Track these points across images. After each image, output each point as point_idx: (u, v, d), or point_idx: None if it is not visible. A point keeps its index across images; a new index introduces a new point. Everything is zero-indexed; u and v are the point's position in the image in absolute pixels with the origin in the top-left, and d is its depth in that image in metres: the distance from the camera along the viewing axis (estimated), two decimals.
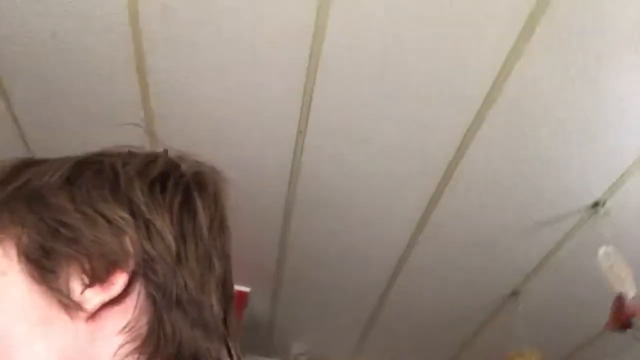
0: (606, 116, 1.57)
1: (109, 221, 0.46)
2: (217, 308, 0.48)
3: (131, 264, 0.46)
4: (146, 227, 0.47)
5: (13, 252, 0.46)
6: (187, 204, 0.50)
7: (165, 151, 0.54)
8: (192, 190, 0.50)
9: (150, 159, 0.52)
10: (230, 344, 0.49)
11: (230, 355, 0.49)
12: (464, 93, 1.55)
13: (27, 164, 0.50)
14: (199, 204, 0.50)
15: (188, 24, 1.44)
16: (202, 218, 0.49)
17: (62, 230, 0.45)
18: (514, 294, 2.27)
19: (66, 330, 0.43)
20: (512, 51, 1.42)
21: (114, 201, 0.47)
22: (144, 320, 0.45)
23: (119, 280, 0.45)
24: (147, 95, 1.65)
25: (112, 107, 1.70)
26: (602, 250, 1.69)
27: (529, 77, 1.48)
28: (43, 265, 0.45)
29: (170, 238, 0.47)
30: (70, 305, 0.44)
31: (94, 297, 0.45)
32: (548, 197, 1.84)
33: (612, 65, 1.43)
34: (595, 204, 1.80)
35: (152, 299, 0.46)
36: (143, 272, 0.46)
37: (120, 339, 0.44)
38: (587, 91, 1.50)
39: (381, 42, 1.42)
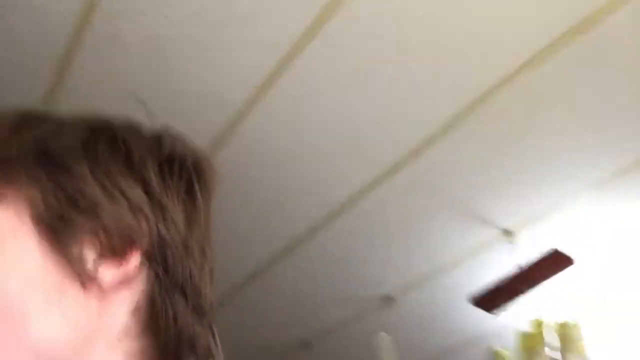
0: None
1: (127, 198, 0.45)
2: (209, 295, 0.50)
3: (145, 245, 0.45)
4: (160, 210, 0.47)
5: (25, 214, 0.44)
6: (190, 191, 0.50)
7: (167, 130, 0.52)
8: (194, 178, 0.50)
9: (157, 137, 0.51)
10: (215, 330, 0.51)
11: (215, 341, 0.51)
12: None
13: (36, 118, 0.49)
14: (198, 192, 0.50)
15: None
16: (201, 207, 0.51)
17: (82, 200, 0.44)
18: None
19: (78, 302, 0.43)
20: None
21: (130, 178, 0.46)
22: (149, 303, 0.45)
23: (133, 260, 0.44)
24: None
25: None
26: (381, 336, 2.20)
27: None
28: (59, 234, 0.43)
29: (181, 224, 0.48)
30: (84, 278, 0.43)
31: (108, 274, 0.44)
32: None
33: None
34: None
35: (158, 283, 0.46)
36: (155, 255, 0.46)
37: (126, 318, 0.44)
38: None
39: None
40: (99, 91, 1.86)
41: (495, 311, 2.29)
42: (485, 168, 2.02)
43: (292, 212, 2.28)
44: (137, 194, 0.46)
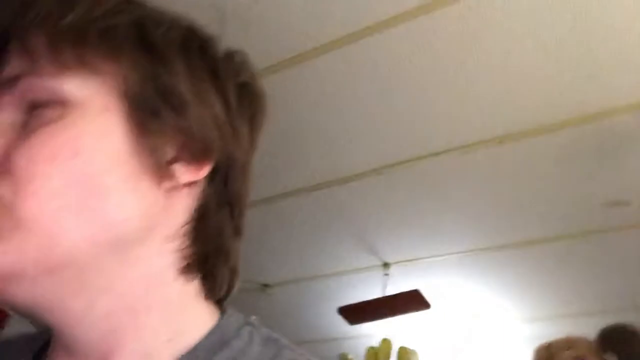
0: None
1: (212, 108, 0.44)
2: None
3: (216, 158, 0.45)
4: (233, 130, 0.46)
5: (119, 93, 0.42)
6: (254, 119, 0.50)
7: (240, 53, 0.50)
8: (258, 107, 0.51)
9: (234, 59, 0.49)
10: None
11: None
12: None
13: (135, 2, 0.45)
14: (259, 121, 0.51)
15: None
16: (258, 135, 0.51)
17: (174, 97, 0.43)
18: None
19: (151, 192, 0.42)
20: None
21: (215, 90, 0.45)
22: (202, 213, 0.46)
23: (205, 169, 0.44)
24: None
25: None
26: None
27: None
28: (146, 122, 0.42)
29: (247, 150, 0.49)
30: (161, 172, 0.42)
31: (182, 174, 0.43)
32: None
33: None
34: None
35: (216, 197, 0.47)
36: (220, 170, 0.46)
37: (182, 220, 0.44)
38: None
39: None
40: None
41: (355, 324, 2.52)
42: (386, 213, 2.30)
43: None
44: (219, 107, 0.46)
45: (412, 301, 2.31)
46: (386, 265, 2.51)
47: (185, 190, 0.44)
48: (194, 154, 0.43)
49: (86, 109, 0.41)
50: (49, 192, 0.39)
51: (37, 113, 0.40)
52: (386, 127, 1.94)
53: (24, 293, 0.39)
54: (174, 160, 0.43)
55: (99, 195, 0.40)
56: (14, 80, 0.41)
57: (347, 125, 1.92)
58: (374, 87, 1.69)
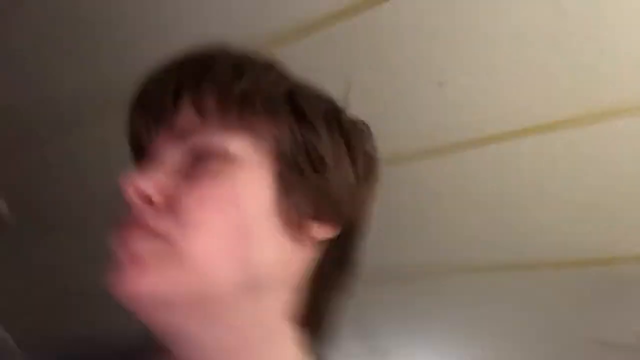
0: None
1: (347, 173, 0.49)
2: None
3: (343, 222, 0.49)
4: (361, 198, 0.51)
5: (269, 152, 0.46)
6: (374, 190, 0.54)
7: (364, 123, 0.54)
8: (377, 179, 0.54)
9: (361, 128, 0.53)
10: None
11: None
12: None
13: (278, 68, 0.51)
14: (376, 195, 0.54)
15: None
16: (372, 209, 0.54)
17: (318, 159, 0.47)
18: None
19: (289, 243, 0.47)
20: None
21: (349, 158, 0.50)
22: (320, 269, 0.50)
23: (336, 228, 0.49)
24: None
25: None
26: None
27: None
28: (293, 178, 0.46)
29: (367, 218, 0.53)
30: (301, 225, 0.47)
31: (317, 231, 0.48)
32: None
33: None
34: None
35: (335, 258, 0.51)
36: (344, 234, 0.50)
37: (305, 272, 0.49)
38: None
39: None
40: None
41: None
42: None
43: None
44: (351, 174, 0.49)
45: None
46: None
47: (313, 247, 0.49)
48: (328, 214, 0.48)
49: (245, 164, 0.45)
50: (213, 235, 0.43)
51: (202, 163, 0.45)
52: None
53: (166, 318, 0.44)
54: (312, 217, 0.47)
55: (249, 242, 0.45)
56: (185, 132, 0.46)
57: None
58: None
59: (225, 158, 0.45)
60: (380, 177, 0.54)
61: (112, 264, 0.43)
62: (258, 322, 0.47)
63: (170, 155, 0.46)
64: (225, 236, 0.44)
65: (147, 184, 0.44)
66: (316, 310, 0.51)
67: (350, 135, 0.50)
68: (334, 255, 0.51)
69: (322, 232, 0.48)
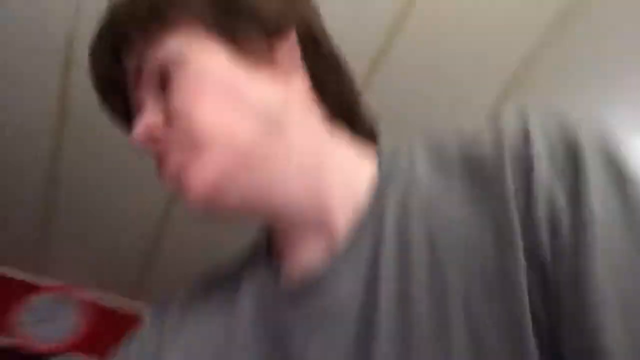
0: None
1: None
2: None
3: (296, 28, 0.54)
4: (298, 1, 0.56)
5: (201, 34, 0.51)
6: None
7: None
8: None
9: None
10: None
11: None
12: None
13: None
14: None
15: None
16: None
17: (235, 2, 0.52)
18: None
19: (270, 76, 0.51)
20: None
21: None
22: (313, 75, 0.54)
23: (292, 36, 0.53)
24: None
25: None
26: None
27: None
28: (227, 26, 0.51)
29: (315, 16, 0.56)
30: (264, 57, 0.52)
31: (282, 52, 0.53)
32: None
33: None
34: None
35: (318, 61, 0.55)
36: (308, 39, 0.54)
37: (305, 87, 0.53)
38: None
39: None
40: None
41: None
42: None
43: None
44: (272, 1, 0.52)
45: None
46: None
47: (295, 63, 0.52)
48: (274, 28, 0.51)
49: (191, 55, 0.50)
50: (213, 116, 0.48)
51: (167, 79, 0.50)
52: None
53: (234, 193, 0.48)
54: (266, 41, 0.51)
55: (240, 97, 0.49)
56: (138, 75, 0.53)
57: None
58: None
59: (175, 60, 0.50)
60: None
61: (176, 193, 0.50)
62: (305, 146, 0.51)
63: (145, 93, 0.52)
64: (221, 108, 0.49)
65: (142, 131, 0.50)
66: (342, 104, 0.55)
67: None
68: (316, 58, 0.54)
69: (286, 47, 0.52)
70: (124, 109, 0.57)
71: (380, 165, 0.51)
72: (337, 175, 0.51)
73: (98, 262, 2.61)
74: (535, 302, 0.36)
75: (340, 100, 0.55)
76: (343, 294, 0.44)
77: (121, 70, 0.54)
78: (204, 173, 0.47)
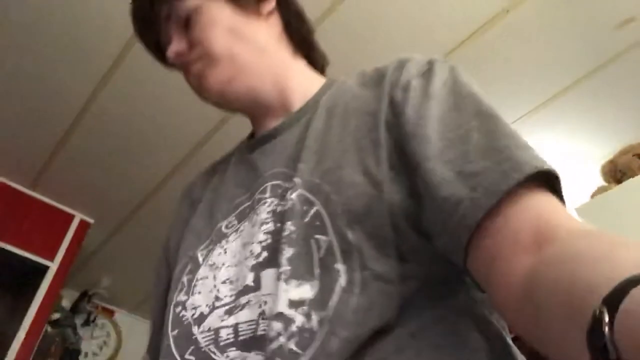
0: None
1: None
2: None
3: None
4: None
5: None
6: None
7: None
8: None
9: None
10: None
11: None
12: None
13: None
14: None
15: None
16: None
17: None
18: None
19: (257, 20, 0.80)
20: None
21: None
22: (286, 22, 0.83)
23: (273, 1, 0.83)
24: None
25: None
26: None
27: None
28: None
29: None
30: (255, 9, 0.80)
31: (264, 7, 0.81)
32: None
33: None
34: None
35: (289, 13, 0.84)
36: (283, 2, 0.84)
37: (280, 28, 0.83)
38: None
39: None
40: None
41: None
42: None
43: None
44: None
45: None
46: None
47: (271, 16, 0.81)
48: None
49: (204, 6, 0.77)
50: (220, 40, 0.76)
51: (189, 22, 0.77)
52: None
53: (234, 88, 0.76)
54: (254, 2, 0.79)
55: (239, 34, 0.77)
56: (170, 16, 0.79)
57: None
58: None
59: (195, 9, 0.77)
60: None
61: (195, 92, 0.79)
62: (278, 65, 0.79)
63: (173, 30, 0.79)
64: (230, 39, 0.76)
65: (174, 50, 0.77)
66: (304, 43, 0.84)
67: None
68: (288, 12, 0.84)
69: (267, 4, 0.81)
70: (154, 41, 0.84)
71: (325, 81, 0.81)
72: (296, 80, 0.79)
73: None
74: (391, 129, 0.60)
75: (302, 38, 0.84)
76: (286, 137, 0.73)
77: (154, 15, 0.80)
78: (216, 78, 0.75)
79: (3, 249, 2.71)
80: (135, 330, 3.78)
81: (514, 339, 0.55)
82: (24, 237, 2.80)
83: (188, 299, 0.62)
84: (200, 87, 0.77)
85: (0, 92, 2.48)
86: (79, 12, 2.16)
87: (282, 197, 0.62)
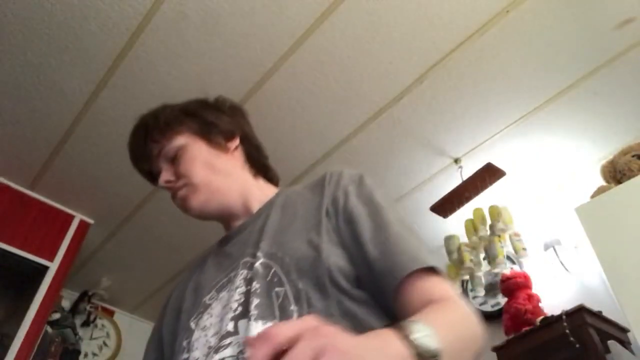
0: None
1: (225, 121, 1.07)
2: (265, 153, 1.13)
3: (240, 134, 1.09)
4: (239, 123, 1.10)
5: (195, 136, 1.04)
6: (242, 116, 1.13)
7: (223, 98, 1.13)
8: (240, 112, 1.14)
9: (220, 100, 1.13)
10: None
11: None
12: None
13: (170, 105, 1.08)
14: (245, 117, 1.14)
15: None
16: (247, 124, 1.13)
17: (211, 123, 1.06)
18: None
19: (228, 158, 1.04)
20: None
21: (224, 115, 1.09)
22: (248, 156, 1.09)
23: (236, 139, 1.09)
24: None
25: None
26: None
27: None
28: (210, 137, 1.04)
29: (247, 127, 1.12)
30: (225, 147, 1.05)
31: (230, 145, 1.06)
32: None
33: None
34: None
35: (249, 148, 1.09)
36: (244, 138, 1.09)
37: (243, 161, 1.07)
38: None
39: None
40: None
41: (448, 216, 2.85)
42: (440, 115, 2.59)
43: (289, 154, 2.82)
44: (228, 120, 1.08)
45: (488, 174, 2.62)
46: (457, 160, 2.81)
47: (236, 151, 1.06)
48: (229, 136, 1.06)
49: (188, 145, 1.02)
50: (200, 175, 1.00)
51: (175, 157, 1.02)
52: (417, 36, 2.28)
53: (210, 208, 1.00)
54: (225, 140, 1.05)
55: (213, 167, 1.01)
56: (160, 153, 1.03)
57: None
58: None
59: (180, 149, 1.02)
60: (242, 111, 1.14)
61: (181, 209, 1.02)
62: (243, 184, 1.04)
63: (163, 163, 1.03)
64: (206, 172, 1.00)
65: (164, 179, 1.01)
66: (261, 167, 1.10)
67: (217, 103, 1.11)
68: (249, 146, 1.10)
69: (233, 142, 1.07)
70: (147, 169, 1.07)
71: (278, 190, 1.08)
72: (256, 192, 1.05)
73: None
74: (330, 217, 0.87)
75: (260, 164, 1.11)
76: (251, 229, 0.95)
77: (147, 152, 1.05)
78: (197, 200, 0.99)
79: (3, 249, 2.70)
80: (135, 330, 3.78)
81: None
82: (24, 237, 2.79)
83: (189, 356, 0.81)
84: (184, 207, 1.01)
85: (1, 92, 2.48)
86: (79, 12, 2.16)
87: (250, 267, 0.84)
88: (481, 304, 3.10)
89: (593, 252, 2.09)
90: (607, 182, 2.31)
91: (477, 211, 2.61)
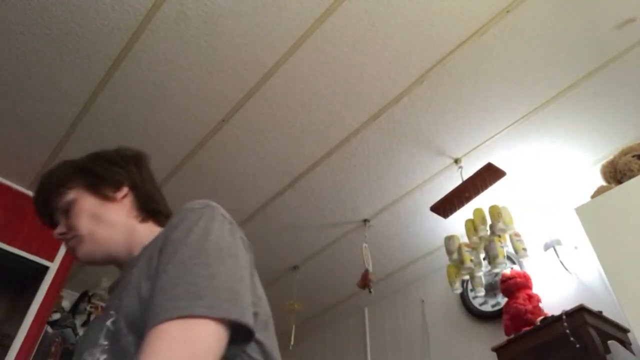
0: None
1: (114, 171, 1.14)
2: (160, 199, 1.19)
3: (128, 184, 1.14)
4: (129, 173, 1.15)
5: (84, 191, 1.11)
6: (138, 164, 1.19)
7: (121, 147, 1.21)
8: (134, 161, 1.19)
9: (116, 151, 1.21)
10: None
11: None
12: None
13: (68, 162, 1.16)
14: (141, 165, 1.19)
15: None
16: (143, 170, 1.18)
17: (100, 176, 1.13)
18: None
19: (113, 204, 1.11)
20: None
21: (114, 165, 1.15)
22: (138, 203, 1.13)
23: (124, 189, 1.13)
24: None
25: None
26: (364, 246, 3.15)
27: None
28: (98, 190, 1.11)
29: (139, 176, 1.17)
30: (112, 197, 1.11)
31: (118, 194, 1.11)
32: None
33: None
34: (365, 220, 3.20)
35: (138, 196, 1.14)
36: (133, 186, 1.14)
37: (131, 208, 1.12)
38: None
39: None
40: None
41: (448, 216, 2.83)
42: (440, 116, 2.59)
43: (292, 153, 2.81)
44: (117, 170, 1.14)
45: (488, 174, 2.62)
46: (457, 160, 2.81)
47: (125, 199, 1.12)
48: (116, 186, 1.12)
49: (78, 199, 1.10)
50: (87, 227, 1.08)
51: (67, 211, 1.10)
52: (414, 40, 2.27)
53: (97, 256, 1.08)
54: (113, 191, 1.11)
55: (100, 216, 1.09)
56: (55, 208, 1.12)
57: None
58: None
59: (70, 203, 1.10)
60: (140, 159, 1.19)
61: (73, 257, 1.10)
62: (129, 232, 1.09)
63: (59, 217, 1.11)
64: (91, 223, 1.08)
65: (57, 232, 1.10)
66: (150, 212, 1.14)
67: (111, 155, 1.17)
68: (138, 195, 1.15)
69: (121, 192, 1.13)
70: (49, 221, 1.14)
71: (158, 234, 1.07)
72: (141, 236, 1.08)
73: None
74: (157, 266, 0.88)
75: (150, 209, 1.15)
76: (123, 280, 0.98)
77: (46, 208, 1.14)
78: (83, 251, 1.08)
79: (3, 249, 2.70)
80: None
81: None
82: (24, 237, 2.79)
83: None
84: (74, 256, 1.10)
85: (1, 92, 2.48)
86: (79, 12, 2.16)
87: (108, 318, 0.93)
88: (481, 304, 3.10)
89: (593, 252, 2.08)
90: (607, 182, 2.31)
91: (477, 211, 2.61)
